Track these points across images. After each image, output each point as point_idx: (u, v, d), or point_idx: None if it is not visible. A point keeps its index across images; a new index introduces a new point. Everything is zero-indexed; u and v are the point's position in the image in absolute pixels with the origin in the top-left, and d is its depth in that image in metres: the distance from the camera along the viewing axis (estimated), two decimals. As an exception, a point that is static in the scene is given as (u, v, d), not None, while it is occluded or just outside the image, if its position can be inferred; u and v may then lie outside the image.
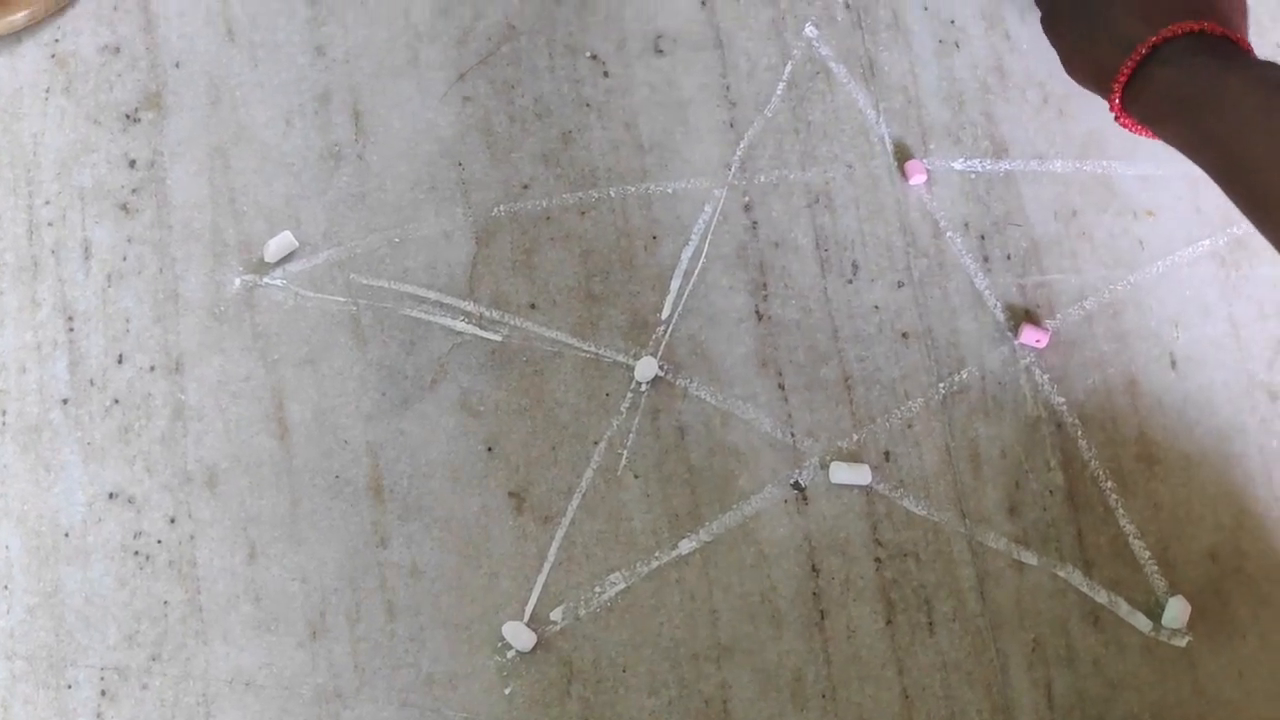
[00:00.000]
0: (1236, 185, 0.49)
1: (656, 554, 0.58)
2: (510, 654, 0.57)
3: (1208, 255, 0.63)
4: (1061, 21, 0.57)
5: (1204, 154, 0.51)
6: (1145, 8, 0.53)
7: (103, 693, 0.56)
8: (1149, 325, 0.62)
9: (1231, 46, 0.52)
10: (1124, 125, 0.55)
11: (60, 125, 0.62)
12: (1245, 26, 0.55)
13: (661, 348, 0.61)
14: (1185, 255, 0.63)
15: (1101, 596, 0.58)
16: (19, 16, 0.62)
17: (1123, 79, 0.53)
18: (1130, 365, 0.61)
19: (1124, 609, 0.58)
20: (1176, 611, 0.58)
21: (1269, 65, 0.50)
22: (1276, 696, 0.58)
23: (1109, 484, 0.60)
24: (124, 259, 0.61)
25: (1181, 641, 0.58)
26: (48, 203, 0.61)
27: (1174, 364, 0.61)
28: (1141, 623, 0.58)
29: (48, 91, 0.63)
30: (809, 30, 0.65)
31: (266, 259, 0.60)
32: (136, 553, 0.58)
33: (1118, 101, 0.54)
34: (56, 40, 0.63)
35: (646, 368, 0.60)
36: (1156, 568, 0.59)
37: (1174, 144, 0.52)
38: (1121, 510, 0.59)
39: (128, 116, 0.63)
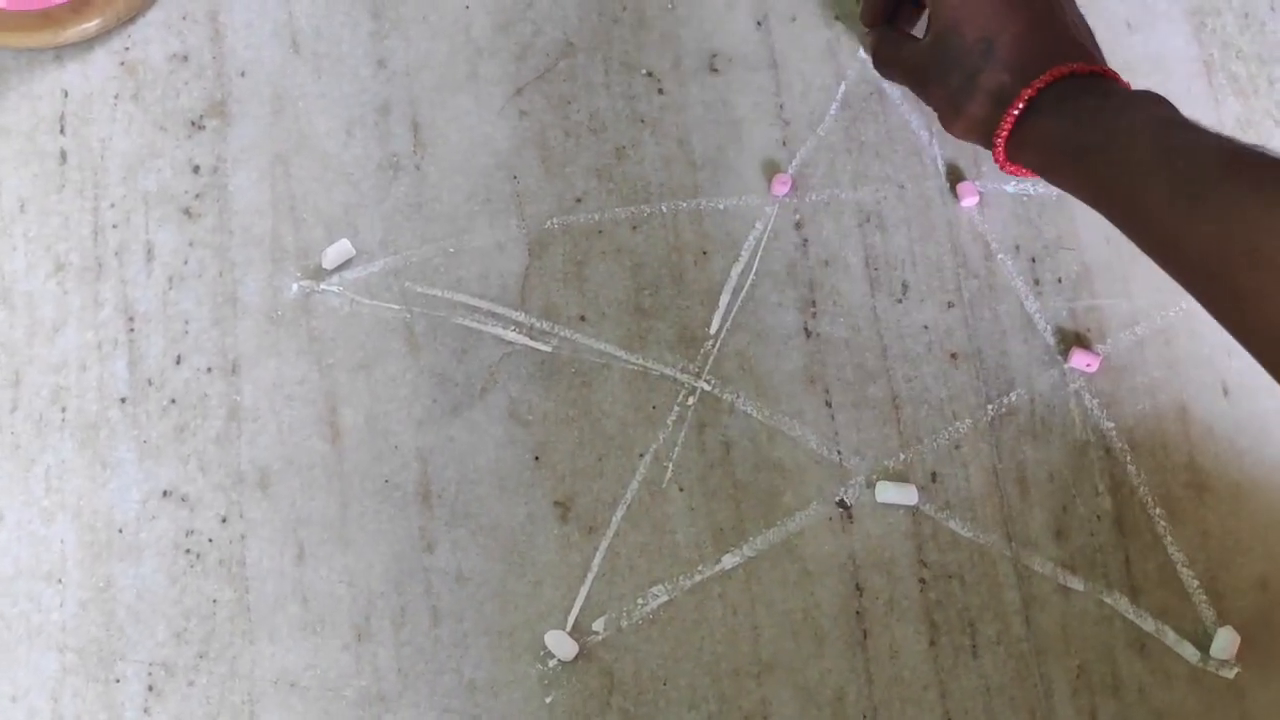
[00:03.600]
0: (1136, 232, 0.48)
1: (699, 568, 0.58)
2: (552, 663, 0.57)
3: (1262, 284, 0.62)
4: (929, 83, 0.57)
5: (1101, 203, 0.50)
6: (1013, 58, 0.53)
7: (150, 688, 0.57)
8: (1202, 352, 0.61)
9: (1105, 82, 0.52)
10: (1011, 172, 0.56)
11: (128, 131, 0.64)
12: (1100, 53, 0.55)
13: (710, 363, 0.61)
14: (1239, 283, 0.62)
15: (1148, 624, 0.58)
16: (92, 24, 0.64)
17: (1004, 135, 0.53)
18: (1181, 392, 0.61)
19: (1171, 638, 0.57)
20: (1225, 642, 0.57)
21: (1148, 100, 0.50)
22: (1327, 732, 0.57)
23: (1158, 510, 0.59)
24: (185, 262, 0.62)
25: (1230, 672, 0.57)
26: (113, 206, 0.63)
27: (1226, 392, 0.61)
28: (1189, 652, 0.57)
29: (116, 98, 0.64)
30: (863, 53, 0.65)
31: (324, 266, 0.62)
32: (188, 551, 0.59)
33: (1001, 154, 0.54)
34: (127, 48, 0.65)
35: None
36: (1205, 597, 0.58)
37: (1067, 190, 0.52)
38: (1170, 538, 0.59)
39: (193, 124, 0.64)
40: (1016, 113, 0.52)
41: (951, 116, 0.56)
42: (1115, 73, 0.53)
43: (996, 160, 0.55)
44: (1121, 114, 0.49)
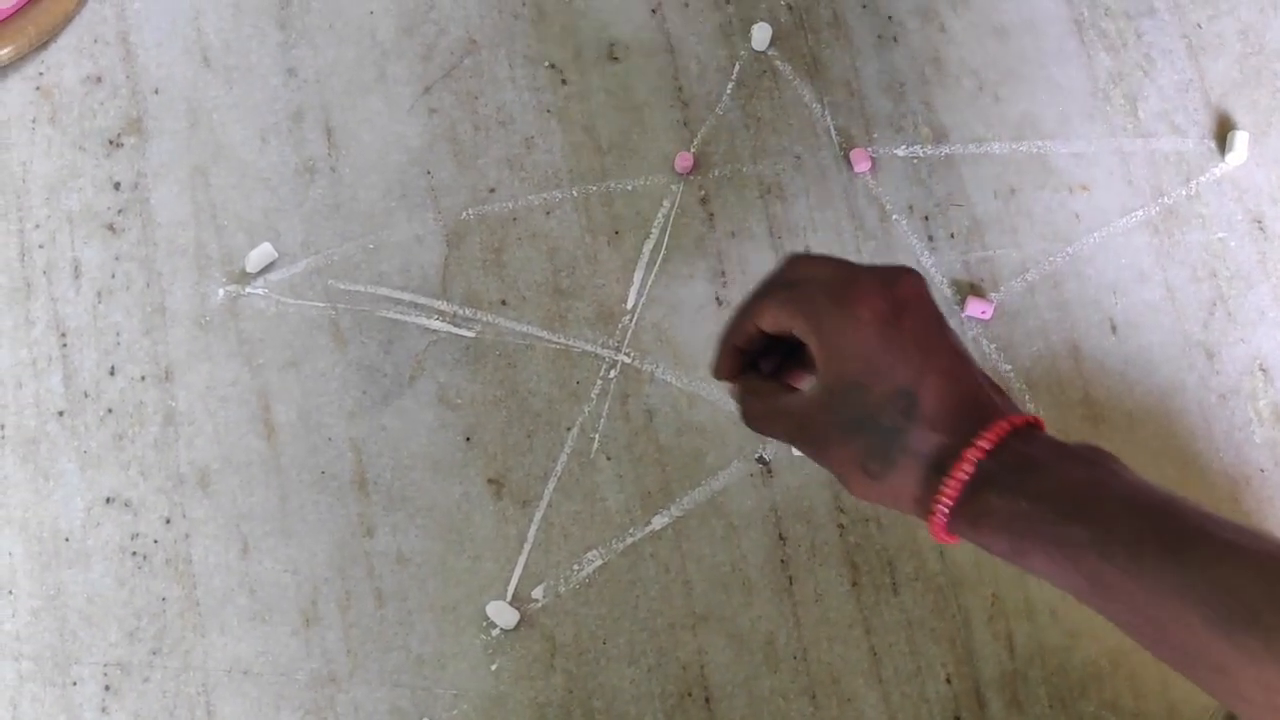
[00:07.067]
0: (1144, 638, 0.41)
1: (631, 531, 0.61)
2: (495, 632, 0.60)
3: (1141, 224, 0.66)
4: (825, 444, 0.46)
5: (1091, 599, 0.41)
6: (943, 413, 0.43)
7: (106, 688, 0.59)
8: (1088, 293, 0.65)
9: (1043, 437, 0.43)
10: (946, 542, 0.45)
11: (47, 153, 0.66)
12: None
13: (628, 336, 0.64)
14: (1120, 225, 0.66)
15: (1055, 550, 0.61)
16: (3, 52, 0.65)
17: (948, 506, 0.43)
18: (1072, 332, 0.64)
19: (1077, 561, 0.61)
20: (1127, 561, 0.60)
21: (1104, 459, 0.43)
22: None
23: (1057, 444, 0.63)
24: (112, 276, 0.64)
25: (1134, 590, 0.61)
26: (38, 226, 0.64)
27: (1114, 328, 0.64)
28: (1095, 574, 0.61)
29: (34, 122, 0.66)
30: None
31: (248, 270, 0.64)
32: (134, 553, 0.60)
33: (944, 527, 0.44)
34: (41, 74, 0.67)
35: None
36: (1106, 521, 0.62)
37: (1043, 575, 0.42)
38: (1070, 468, 0.62)
39: (111, 142, 0.66)
40: (961, 481, 0.42)
41: (863, 481, 0.45)
42: (1039, 419, 0.45)
43: (934, 533, 0.44)
44: (1103, 489, 0.41)
